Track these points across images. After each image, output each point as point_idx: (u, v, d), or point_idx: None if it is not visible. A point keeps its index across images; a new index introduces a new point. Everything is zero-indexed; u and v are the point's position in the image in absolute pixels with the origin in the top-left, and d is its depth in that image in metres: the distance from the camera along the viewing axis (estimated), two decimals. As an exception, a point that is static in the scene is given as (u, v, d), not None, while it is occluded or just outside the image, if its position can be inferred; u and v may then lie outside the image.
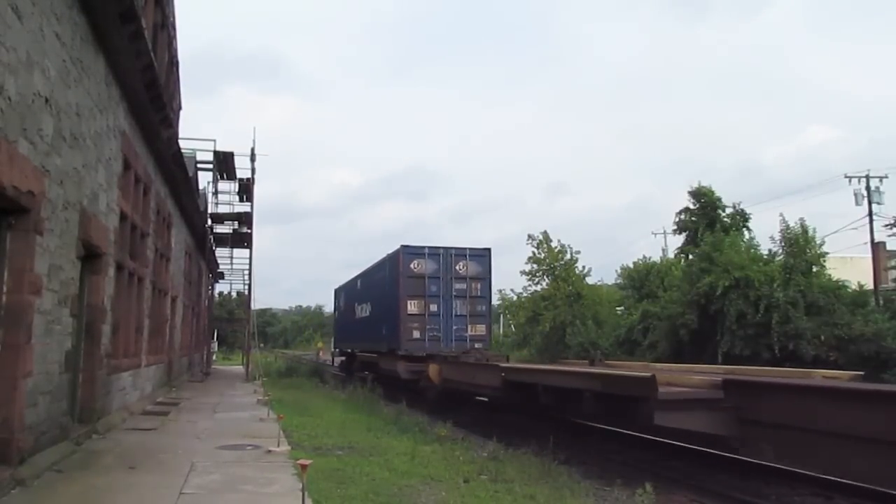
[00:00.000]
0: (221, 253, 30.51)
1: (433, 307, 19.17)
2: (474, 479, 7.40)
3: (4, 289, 5.70)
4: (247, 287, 28.94)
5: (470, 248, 20.01)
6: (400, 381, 19.24)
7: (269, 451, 7.85)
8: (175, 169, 14.68)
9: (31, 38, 5.77)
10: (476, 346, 18.84)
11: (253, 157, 24.16)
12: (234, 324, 45.77)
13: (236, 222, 26.69)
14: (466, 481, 7.21)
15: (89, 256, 8.47)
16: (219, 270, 33.59)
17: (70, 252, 7.32)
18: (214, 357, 42.39)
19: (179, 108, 19.78)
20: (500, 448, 9.91)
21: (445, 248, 19.65)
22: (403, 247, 19.68)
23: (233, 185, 25.92)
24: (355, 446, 9.03)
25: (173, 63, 17.15)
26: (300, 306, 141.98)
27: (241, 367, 29.73)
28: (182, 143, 15.84)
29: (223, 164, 23.96)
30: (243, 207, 25.95)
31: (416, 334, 19.02)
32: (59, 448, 7.00)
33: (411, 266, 19.30)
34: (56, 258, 6.77)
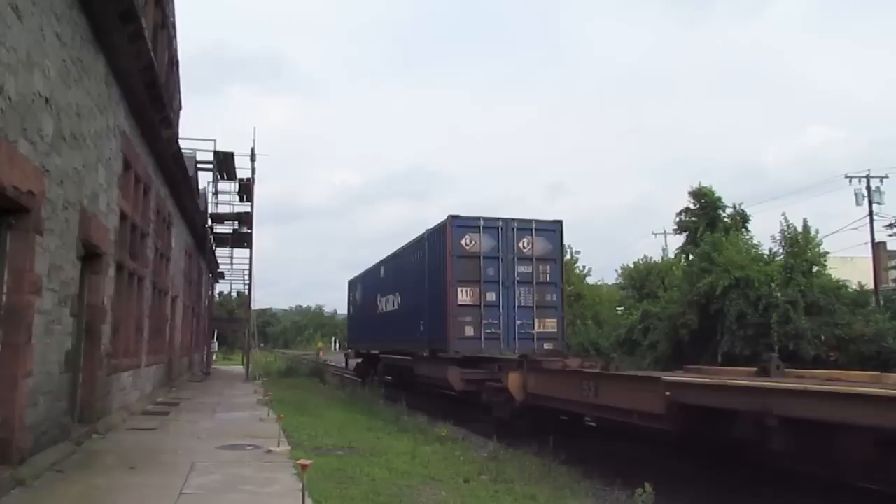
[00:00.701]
0: (221, 253, 30.51)
1: (490, 296, 14.94)
2: (474, 479, 7.40)
3: (4, 289, 5.70)
4: (247, 287, 28.97)
5: (536, 221, 15.69)
6: (445, 392, 15.82)
7: (270, 451, 7.85)
8: (175, 169, 14.67)
9: (31, 37, 5.76)
10: (545, 346, 15.00)
11: (253, 157, 24.19)
12: (234, 324, 45.77)
13: (236, 222, 26.70)
14: (467, 481, 7.21)
15: (89, 256, 8.47)
16: (219, 270, 33.58)
17: (70, 252, 7.32)
18: (214, 357, 42.36)
19: (179, 108, 19.77)
20: (501, 448, 9.91)
21: (505, 220, 15.36)
22: (453, 217, 15.26)
23: (233, 185, 25.94)
24: (355, 446, 9.03)
25: (173, 63, 17.14)
26: (300, 306, 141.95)
27: (241, 367, 29.71)
28: (182, 143, 15.85)
29: (223, 164, 23.95)
30: (243, 207, 25.97)
31: (470, 331, 14.77)
32: (59, 448, 6.99)
33: (462, 243, 15.03)
34: (56, 258, 6.76)
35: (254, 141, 25.61)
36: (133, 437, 8.93)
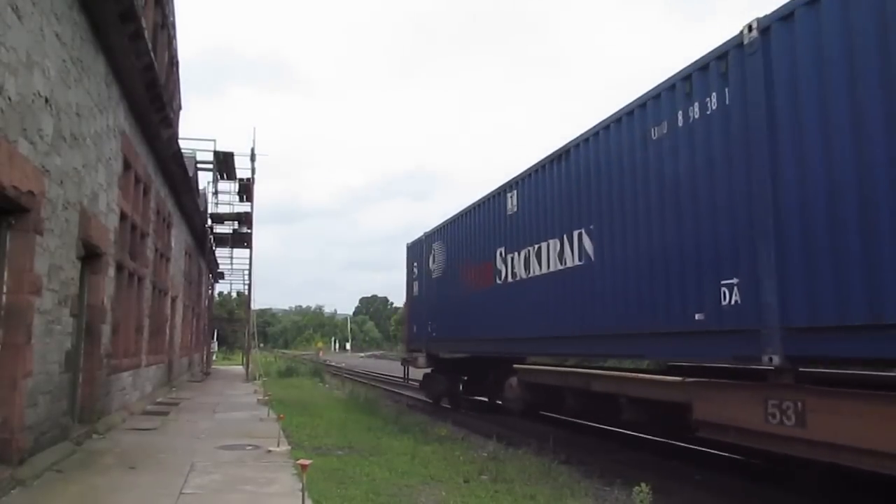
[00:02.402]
0: (221, 253, 30.53)
1: None
2: (474, 478, 7.39)
3: (4, 289, 5.70)
4: (247, 287, 28.97)
5: None
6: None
7: (270, 451, 7.85)
8: (175, 169, 14.68)
9: (31, 37, 5.77)
10: None
11: (253, 157, 24.20)
12: (234, 324, 45.85)
13: (236, 222, 26.72)
14: (467, 481, 7.20)
15: (89, 256, 8.47)
16: (219, 270, 33.60)
17: (70, 252, 7.32)
18: (214, 357, 42.40)
19: (179, 108, 19.79)
20: (501, 448, 9.90)
21: None
22: None
23: (233, 185, 25.96)
24: (355, 446, 9.03)
25: (173, 63, 17.15)
26: (300, 306, 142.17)
27: (241, 367, 29.73)
28: (182, 143, 15.86)
29: (223, 164, 23.98)
30: (243, 207, 26.00)
31: None
32: (59, 448, 6.99)
33: None
34: (56, 258, 6.77)
35: (254, 141, 25.72)
36: (133, 437, 8.93)
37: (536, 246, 10.70)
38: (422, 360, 17.10)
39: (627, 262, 8.25)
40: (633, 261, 8.13)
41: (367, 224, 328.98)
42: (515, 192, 11.64)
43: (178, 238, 18.29)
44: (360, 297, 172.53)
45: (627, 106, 8.35)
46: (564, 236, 9.74)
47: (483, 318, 12.87)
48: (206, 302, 32.59)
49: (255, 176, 24.33)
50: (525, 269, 11.13)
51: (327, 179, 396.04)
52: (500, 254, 12.14)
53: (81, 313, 8.36)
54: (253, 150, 24.27)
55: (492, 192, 12.84)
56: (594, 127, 9.17)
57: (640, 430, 10.64)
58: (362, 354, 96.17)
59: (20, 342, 5.79)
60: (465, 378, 16.03)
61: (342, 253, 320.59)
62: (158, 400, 14.02)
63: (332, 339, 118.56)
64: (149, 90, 10.25)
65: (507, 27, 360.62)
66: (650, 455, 9.94)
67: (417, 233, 18.01)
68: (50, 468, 6.37)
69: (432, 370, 17.17)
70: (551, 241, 10.18)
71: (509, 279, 11.73)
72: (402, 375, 20.76)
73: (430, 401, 17.67)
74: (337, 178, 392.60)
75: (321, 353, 67.81)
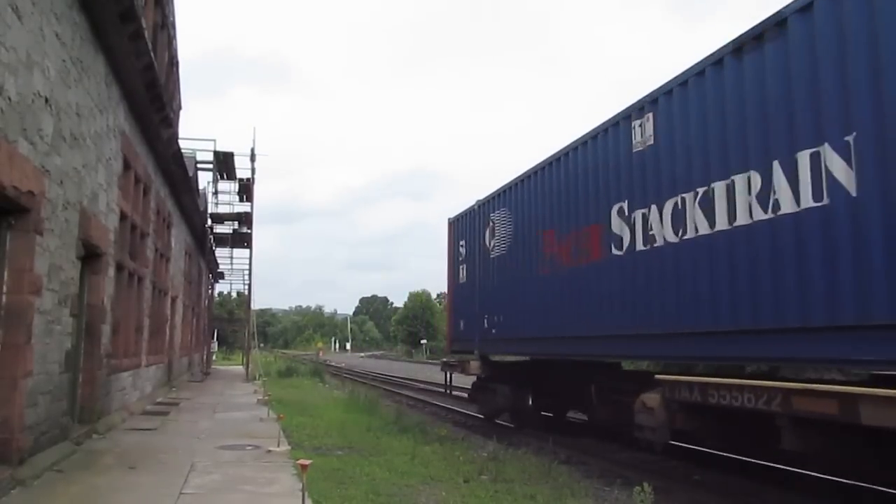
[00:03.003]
0: (221, 253, 30.55)
1: None
2: (474, 478, 7.39)
3: (4, 289, 5.70)
4: (247, 287, 28.96)
5: None
6: None
7: (269, 451, 7.85)
8: (175, 169, 14.68)
9: (31, 37, 5.77)
10: None
11: (253, 157, 24.21)
12: (234, 324, 45.80)
13: (236, 222, 26.73)
14: (466, 481, 7.20)
15: (89, 256, 8.47)
16: (219, 270, 33.60)
17: (70, 252, 7.32)
18: (214, 357, 42.40)
19: (179, 108, 19.78)
20: (501, 448, 9.90)
21: None
22: None
23: (233, 185, 25.98)
24: (355, 446, 9.03)
25: (173, 63, 17.15)
26: (300, 306, 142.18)
27: (241, 367, 29.73)
28: (182, 143, 15.87)
29: (223, 164, 23.99)
30: (243, 207, 26.01)
31: None
32: (59, 448, 6.99)
33: None
34: (56, 258, 6.77)
35: (254, 141, 25.77)
36: (133, 437, 8.93)
37: (699, 191, 7.11)
38: (474, 364, 13.49)
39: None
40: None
41: (367, 224, 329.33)
42: (649, 116, 8.12)
43: (178, 238, 18.30)
44: (360, 297, 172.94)
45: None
46: (776, 164, 6.13)
47: (585, 305, 9.44)
48: (206, 302, 32.60)
49: (255, 176, 24.36)
50: (674, 229, 7.57)
51: (327, 179, 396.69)
52: (619, 212, 8.66)
53: (81, 313, 8.37)
54: (253, 150, 24.30)
55: (598, 128, 9.25)
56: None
57: None
58: (362, 354, 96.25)
59: (20, 342, 5.79)
60: (536, 388, 12.44)
61: (342, 253, 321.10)
62: (158, 400, 14.01)
63: (332, 339, 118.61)
64: (149, 90, 10.25)
65: (508, 27, 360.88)
66: (650, 455, 9.94)
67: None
68: (50, 468, 6.37)
69: (484, 377, 13.62)
70: (738, 178, 6.58)
71: (638, 246, 8.24)
72: (402, 376, 20.16)
73: (482, 416, 14.33)
74: (337, 178, 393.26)
75: (321, 354, 67.84)
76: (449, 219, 15.66)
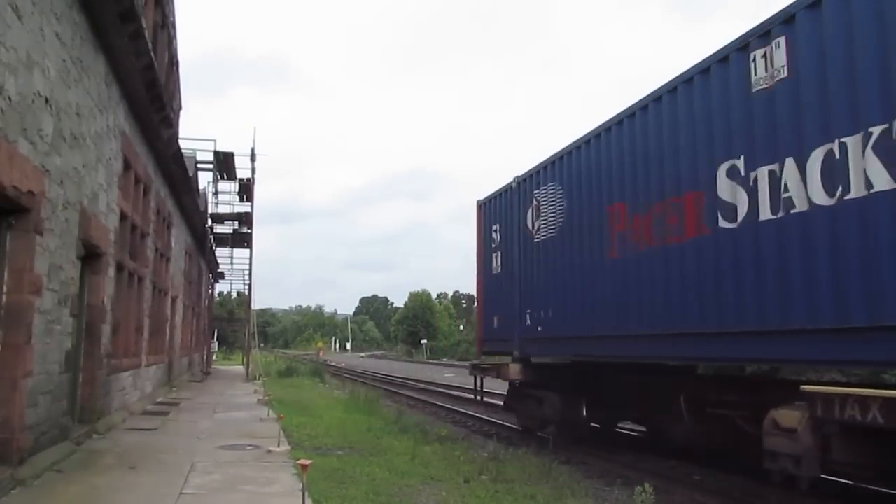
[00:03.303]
0: (221, 253, 30.55)
1: None
2: (475, 478, 7.39)
3: (4, 289, 5.70)
4: (247, 287, 28.95)
5: None
6: None
7: (270, 451, 7.85)
8: (175, 169, 14.68)
9: (31, 37, 5.77)
10: None
11: (253, 157, 24.22)
12: (234, 324, 45.76)
13: (236, 222, 26.73)
14: (467, 481, 7.20)
15: (89, 256, 8.47)
16: (219, 270, 33.60)
17: (70, 252, 7.32)
18: (214, 357, 42.40)
19: (179, 107, 19.78)
20: (501, 448, 9.90)
21: None
22: None
23: (233, 185, 25.98)
24: (355, 446, 9.03)
25: (173, 63, 17.15)
26: (300, 306, 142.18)
27: (241, 367, 29.73)
28: (182, 143, 15.86)
29: (223, 164, 23.99)
30: (243, 207, 26.02)
31: None
32: (59, 448, 6.99)
33: None
34: (56, 258, 6.77)
35: (254, 141, 25.78)
36: (133, 436, 8.93)
37: (873, 131, 5.23)
38: (514, 368, 11.56)
39: None
40: None
41: (367, 224, 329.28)
42: (780, 41, 6.23)
43: (178, 238, 18.29)
44: (360, 297, 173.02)
45: None
46: None
47: (676, 295, 7.54)
48: (206, 302, 32.59)
49: (255, 176, 24.37)
50: (826, 188, 5.68)
51: (327, 179, 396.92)
52: (731, 172, 6.75)
53: (81, 313, 8.36)
54: (253, 150, 24.31)
55: (691, 70, 7.47)
56: None
57: None
58: (362, 354, 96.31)
59: (20, 342, 5.79)
60: (593, 397, 10.55)
61: (342, 253, 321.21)
62: (158, 400, 14.01)
63: (333, 339, 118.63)
64: (149, 90, 10.25)
65: (508, 27, 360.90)
66: (650, 455, 9.93)
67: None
68: (50, 468, 6.37)
69: (524, 383, 11.73)
70: None
71: (763, 215, 6.33)
72: (402, 376, 20.03)
73: (521, 428, 12.19)
74: (337, 178, 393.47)
75: (321, 353, 67.83)
76: (478, 200, 13.76)
